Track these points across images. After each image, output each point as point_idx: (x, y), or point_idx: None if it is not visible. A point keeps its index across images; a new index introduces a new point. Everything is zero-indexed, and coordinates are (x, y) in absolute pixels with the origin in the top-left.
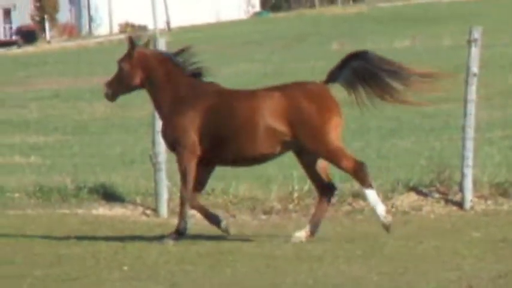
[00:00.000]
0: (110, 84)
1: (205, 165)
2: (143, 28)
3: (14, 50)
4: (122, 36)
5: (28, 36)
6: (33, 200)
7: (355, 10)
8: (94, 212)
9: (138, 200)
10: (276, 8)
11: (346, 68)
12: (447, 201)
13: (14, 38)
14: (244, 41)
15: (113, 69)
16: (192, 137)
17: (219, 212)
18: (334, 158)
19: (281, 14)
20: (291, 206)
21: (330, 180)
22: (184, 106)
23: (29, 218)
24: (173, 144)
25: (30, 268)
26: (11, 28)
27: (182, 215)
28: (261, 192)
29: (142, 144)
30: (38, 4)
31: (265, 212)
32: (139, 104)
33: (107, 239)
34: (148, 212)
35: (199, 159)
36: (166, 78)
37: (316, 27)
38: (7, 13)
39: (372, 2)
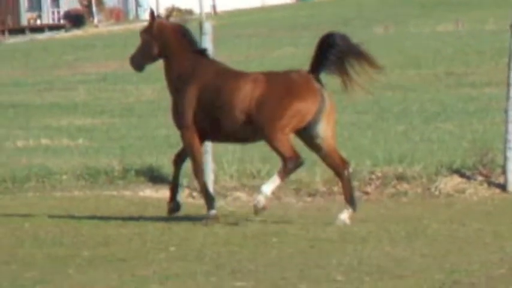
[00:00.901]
0: (134, 56)
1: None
2: (189, 12)
3: (62, 34)
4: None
5: (76, 20)
6: (81, 182)
7: None
8: (141, 193)
9: (184, 182)
10: None
11: (322, 57)
12: (490, 183)
13: (62, 22)
14: (290, 25)
15: None
16: (190, 115)
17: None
18: (274, 143)
19: None
20: (335, 189)
21: (341, 156)
22: (184, 84)
23: (76, 200)
24: (177, 123)
25: (78, 249)
26: (59, 12)
27: (205, 192)
28: (306, 174)
29: None
30: None
31: (309, 195)
32: None
33: (153, 220)
34: (194, 193)
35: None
36: (178, 51)
37: (360, 11)
38: None
39: None
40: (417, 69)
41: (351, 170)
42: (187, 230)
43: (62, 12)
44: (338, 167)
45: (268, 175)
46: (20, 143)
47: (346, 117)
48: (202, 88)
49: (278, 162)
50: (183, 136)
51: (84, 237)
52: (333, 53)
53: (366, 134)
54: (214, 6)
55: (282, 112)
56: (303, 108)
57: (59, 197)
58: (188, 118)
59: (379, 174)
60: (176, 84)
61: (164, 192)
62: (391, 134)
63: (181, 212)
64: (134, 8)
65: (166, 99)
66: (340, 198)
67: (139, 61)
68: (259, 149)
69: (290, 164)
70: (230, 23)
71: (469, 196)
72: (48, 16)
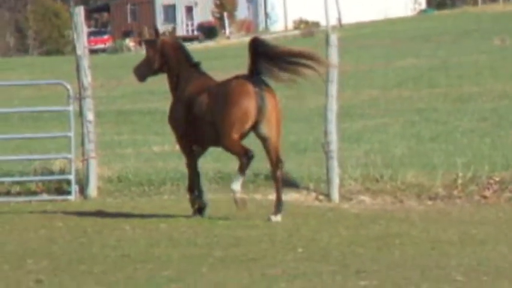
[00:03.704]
0: (138, 67)
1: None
2: (316, 24)
3: (196, 45)
4: (296, 32)
5: (209, 32)
6: (214, 185)
7: None
8: (270, 197)
9: (311, 186)
10: (440, 5)
11: (256, 63)
12: None
13: (195, 33)
14: (411, 36)
15: None
16: (182, 125)
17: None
18: (227, 145)
19: (446, 11)
20: (455, 193)
21: (278, 157)
22: (177, 96)
23: (209, 202)
24: (170, 124)
25: (211, 249)
26: (192, 24)
27: (191, 196)
28: (426, 179)
29: (314, 133)
30: (218, 2)
31: (430, 198)
32: (314, 96)
33: (282, 222)
34: (321, 197)
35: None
36: (176, 66)
37: (479, 23)
38: (189, 10)
39: None
40: None
41: (280, 172)
42: (314, 231)
43: (195, 24)
44: (272, 167)
45: (391, 179)
46: (156, 148)
47: (466, 125)
48: (186, 98)
49: (401, 167)
50: (177, 143)
51: (216, 237)
52: (261, 59)
53: (485, 140)
54: (339, 19)
55: (226, 120)
56: (242, 112)
57: None
58: (181, 127)
59: (497, 179)
60: (173, 94)
61: (291, 196)
62: (508, 141)
63: (309, 215)
64: (264, 20)
65: (293, 107)
66: (460, 201)
67: (142, 72)
68: (382, 154)
69: (244, 159)
70: (355, 34)
71: None
72: (182, 28)
